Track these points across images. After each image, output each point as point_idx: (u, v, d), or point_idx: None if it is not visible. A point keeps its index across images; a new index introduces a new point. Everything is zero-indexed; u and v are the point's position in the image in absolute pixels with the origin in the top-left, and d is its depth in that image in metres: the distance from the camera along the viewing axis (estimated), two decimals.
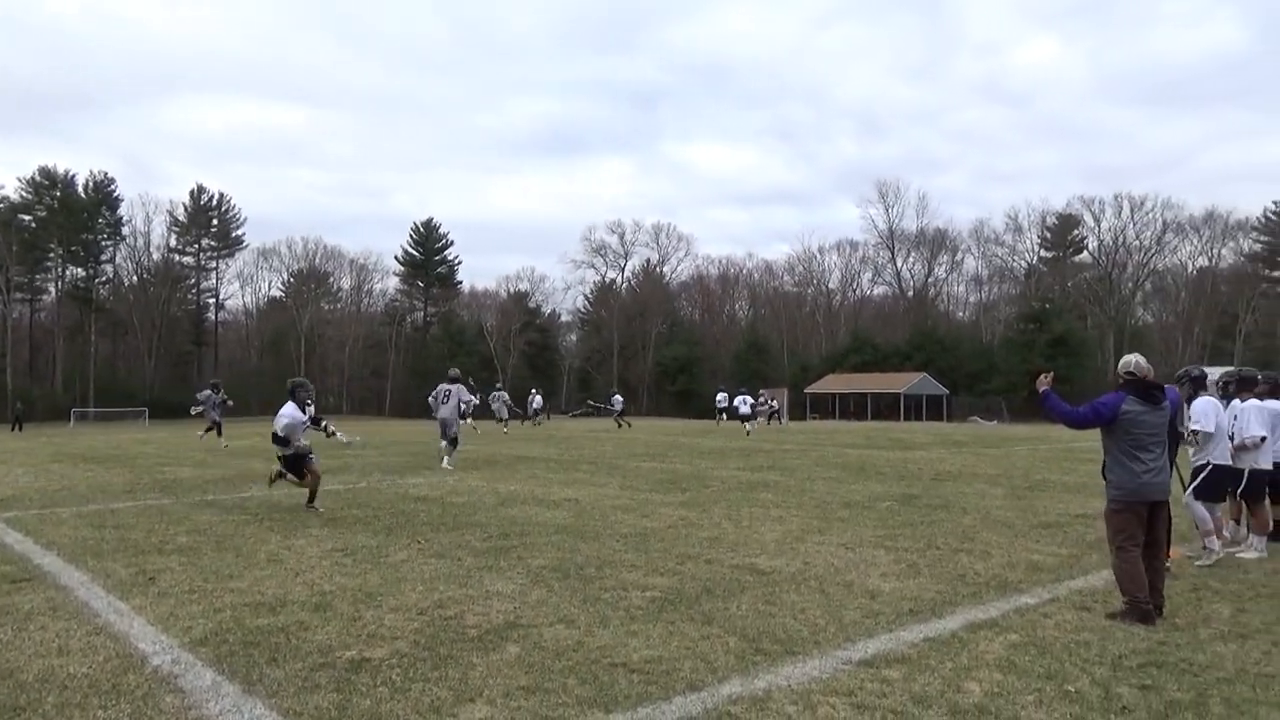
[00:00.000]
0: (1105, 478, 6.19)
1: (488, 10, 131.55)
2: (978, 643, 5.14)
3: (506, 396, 34.54)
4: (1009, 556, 7.83)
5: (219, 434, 23.83)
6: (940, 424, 53.59)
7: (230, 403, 24.98)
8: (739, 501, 11.48)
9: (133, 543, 8.42)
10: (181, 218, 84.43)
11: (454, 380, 16.80)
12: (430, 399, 17.20)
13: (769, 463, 17.93)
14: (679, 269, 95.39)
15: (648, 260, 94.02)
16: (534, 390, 43.70)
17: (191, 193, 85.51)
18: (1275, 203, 74.17)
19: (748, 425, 32.67)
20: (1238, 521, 8.68)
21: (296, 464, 10.42)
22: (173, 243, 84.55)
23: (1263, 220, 74.71)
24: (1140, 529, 5.90)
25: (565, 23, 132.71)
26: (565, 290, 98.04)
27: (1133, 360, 6.15)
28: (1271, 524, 8.34)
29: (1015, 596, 6.34)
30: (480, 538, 8.63)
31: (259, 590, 6.40)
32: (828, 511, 10.61)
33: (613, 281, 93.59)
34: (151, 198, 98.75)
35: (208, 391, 24.58)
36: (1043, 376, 6.38)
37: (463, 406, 16.69)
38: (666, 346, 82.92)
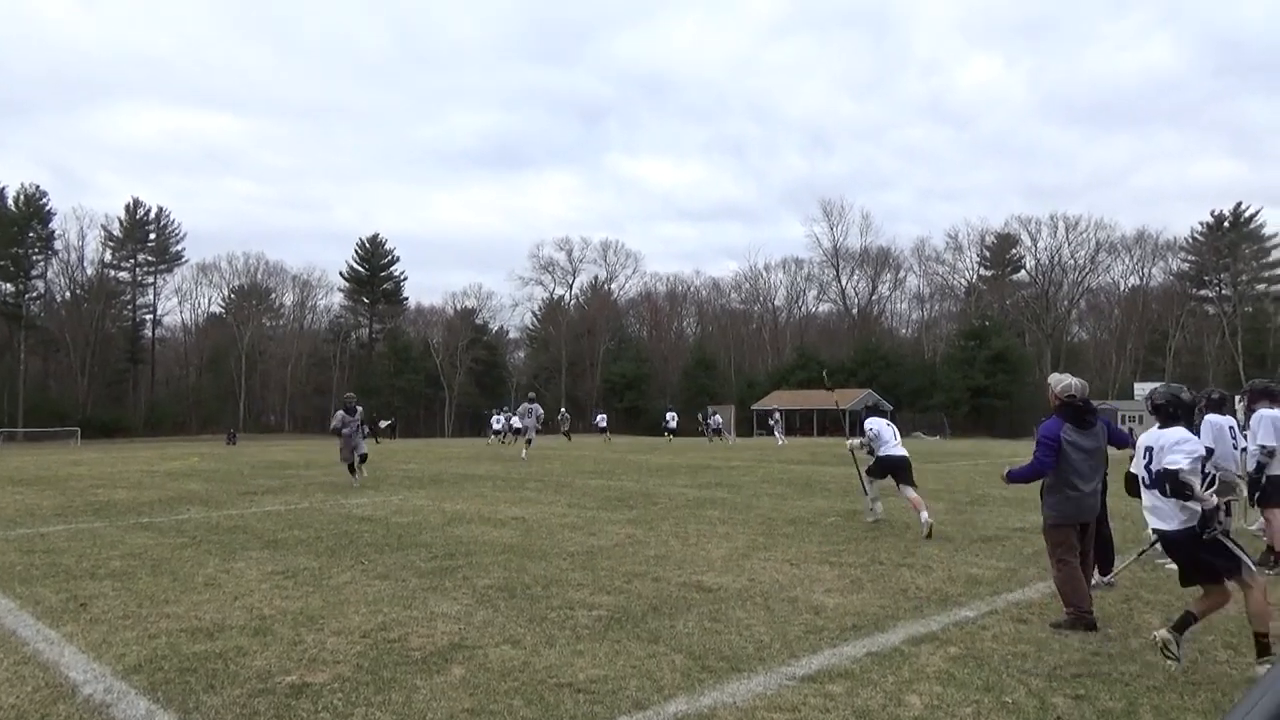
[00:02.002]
0: (1042, 498, 6.32)
1: (425, 17, 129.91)
2: (919, 656, 5.23)
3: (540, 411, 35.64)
4: (949, 570, 7.97)
5: (357, 467, 16.85)
6: None
7: (368, 426, 18.57)
8: (686, 519, 11.53)
9: (63, 568, 8.16)
10: (117, 232, 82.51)
11: (532, 400, 26.40)
12: (518, 416, 30.60)
13: (716, 479, 18.02)
14: (627, 286, 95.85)
15: (596, 277, 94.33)
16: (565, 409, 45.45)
17: (127, 206, 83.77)
18: (1202, 223, 76.99)
19: (670, 437, 42.02)
20: None
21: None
22: (108, 258, 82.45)
23: (1190, 240, 77.49)
24: (1077, 542, 6.12)
25: (505, 32, 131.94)
26: (513, 307, 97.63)
27: (1074, 384, 6.19)
28: None
29: (955, 610, 6.46)
30: (425, 558, 8.54)
31: (196, 615, 6.25)
32: (773, 528, 10.70)
33: (561, 298, 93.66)
34: (86, 211, 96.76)
35: (343, 413, 16.96)
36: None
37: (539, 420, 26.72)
38: (614, 364, 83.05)
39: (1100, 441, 6.21)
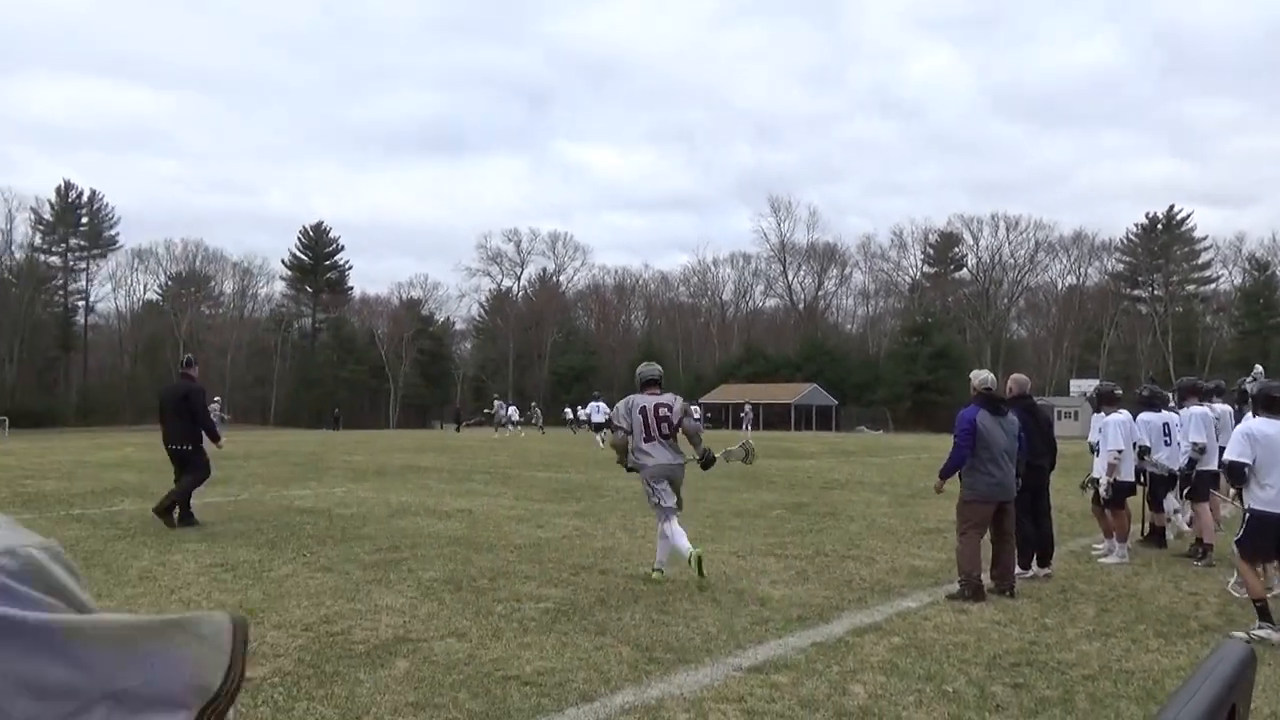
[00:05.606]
0: (961, 479, 6.88)
1: None
2: (863, 646, 5.30)
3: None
4: (892, 562, 8.10)
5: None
6: (829, 433, 55.03)
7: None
8: (633, 511, 11.53)
9: None
10: (48, 215, 79.69)
11: (533, 406, 26.94)
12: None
13: None
14: (575, 278, 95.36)
15: (544, 269, 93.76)
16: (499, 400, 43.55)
17: (58, 189, 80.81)
18: (1136, 225, 79.15)
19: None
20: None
21: None
22: (38, 241, 79.62)
23: (1124, 241, 79.59)
24: (987, 520, 6.73)
25: (440, 8, 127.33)
26: (460, 298, 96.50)
27: (988, 377, 7.02)
28: (1129, 532, 8.82)
29: (898, 600, 6.57)
30: (369, 550, 8.42)
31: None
32: (720, 520, 10.76)
33: (509, 290, 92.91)
34: (15, 193, 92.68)
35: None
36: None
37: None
38: (562, 356, 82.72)
39: (1013, 428, 6.84)
